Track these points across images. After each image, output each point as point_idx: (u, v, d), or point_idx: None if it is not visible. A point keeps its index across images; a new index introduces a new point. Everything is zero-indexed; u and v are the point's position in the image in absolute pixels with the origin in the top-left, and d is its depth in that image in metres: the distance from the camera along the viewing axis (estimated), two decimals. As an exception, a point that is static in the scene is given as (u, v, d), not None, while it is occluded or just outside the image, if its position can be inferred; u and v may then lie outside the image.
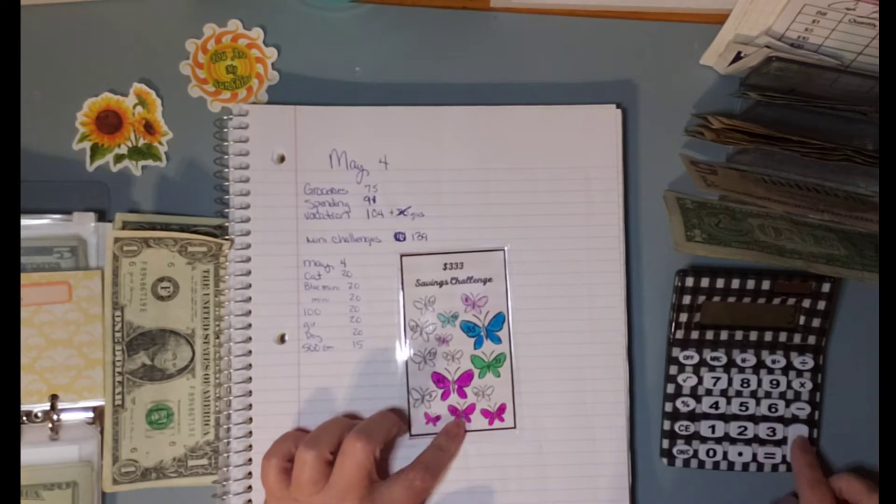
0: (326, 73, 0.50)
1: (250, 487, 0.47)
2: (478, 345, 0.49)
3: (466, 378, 0.49)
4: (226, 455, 0.47)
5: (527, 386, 0.49)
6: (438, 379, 0.49)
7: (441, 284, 0.49)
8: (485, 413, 0.49)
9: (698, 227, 0.47)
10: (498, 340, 0.49)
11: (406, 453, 0.48)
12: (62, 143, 0.48)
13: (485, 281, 0.49)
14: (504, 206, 0.49)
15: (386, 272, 0.49)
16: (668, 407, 0.50)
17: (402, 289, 0.49)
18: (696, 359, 0.50)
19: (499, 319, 0.49)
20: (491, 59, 0.51)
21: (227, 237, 0.48)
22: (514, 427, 0.49)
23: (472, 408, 0.49)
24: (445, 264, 0.49)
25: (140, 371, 0.47)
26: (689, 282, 0.49)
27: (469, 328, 0.49)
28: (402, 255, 0.49)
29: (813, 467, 0.48)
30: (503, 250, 0.49)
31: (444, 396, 0.49)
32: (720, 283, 0.49)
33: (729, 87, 0.51)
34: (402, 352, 0.48)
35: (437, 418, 0.48)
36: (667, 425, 0.50)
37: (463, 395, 0.49)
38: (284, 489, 0.43)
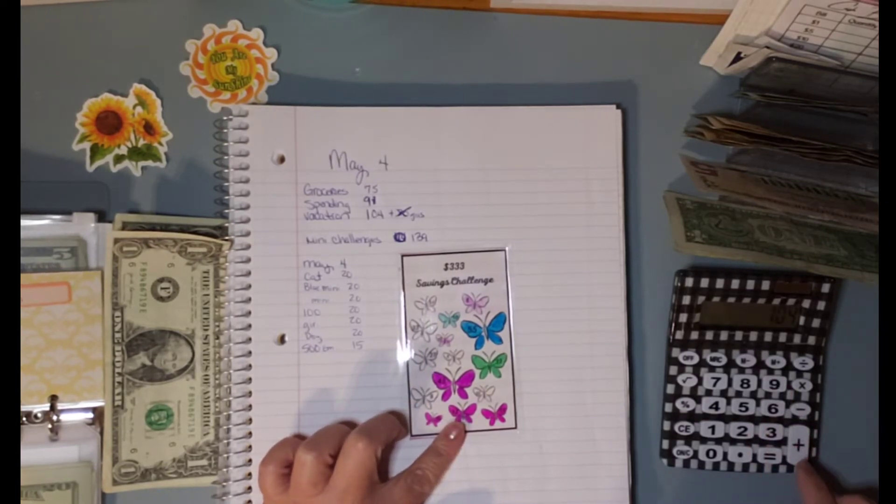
0: (326, 74, 0.50)
1: (250, 488, 0.47)
2: (479, 345, 0.49)
3: (467, 378, 0.49)
4: (225, 455, 0.47)
5: (528, 386, 0.49)
6: (439, 379, 0.49)
7: (442, 284, 0.49)
8: (486, 413, 0.49)
9: (698, 227, 0.47)
10: (499, 341, 0.49)
11: (407, 454, 0.48)
12: (62, 143, 0.48)
13: (486, 281, 0.49)
14: (504, 206, 0.49)
15: (386, 273, 0.49)
16: (668, 407, 0.50)
17: (404, 289, 0.49)
18: (696, 359, 0.50)
19: (500, 320, 0.49)
20: (491, 60, 0.51)
21: (226, 238, 0.48)
22: (515, 427, 0.49)
23: (472, 408, 0.49)
24: (446, 264, 0.49)
25: (140, 372, 0.47)
26: (689, 282, 0.49)
27: (470, 328, 0.49)
28: (403, 256, 0.49)
29: (821, 489, 0.48)
30: (504, 250, 0.49)
31: (445, 397, 0.49)
32: (720, 283, 0.49)
33: (729, 87, 0.51)
34: (403, 352, 0.48)
35: (438, 419, 0.48)
36: (667, 426, 0.50)
37: (464, 395, 0.49)
38: (283, 493, 0.43)
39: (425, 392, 0.48)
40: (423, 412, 0.48)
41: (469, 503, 0.48)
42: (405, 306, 0.49)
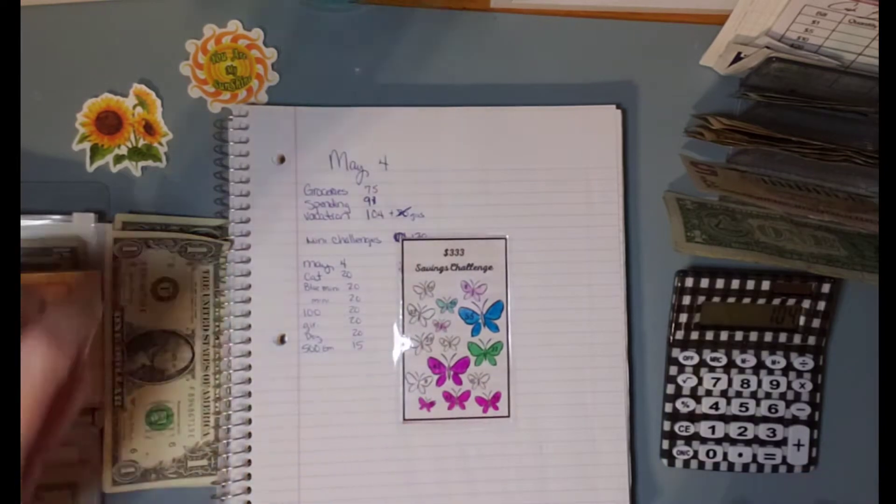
0: (326, 74, 0.50)
1: (250, 489, 0.47)
2: (475, 332, 0.49)
3: (462, 365, 0.49)
4: (225, 455, 0.47)
5: (523, 376, 0.49)
6: (434, 364, 0.49)
7: (441, 270, 0.49)
8: (479, 401, 0.49)
9: (698, 227, 0.47)
10: (495, 329, 0.49)
11: (398, 441, 0.48)
12: (62, 143, 0.48)
13: (485, 269, 0.49)
14: (504, 206, 0.49)
15: (386, 273, 0.49)
16: (668, 408, 0.50)
17: (402, 272, 0.49)
18: (696, 359, 0.50)
19: (497, 308, 0.49)
20: (491, 60, 0.51)
21: (226, 238, 0.48)
22: (508, 416, 0.49)
23: (466, 395, 0.49)
24: (446, 250, 0.49)
25: (140, 372, 0.47)
26: (689, 282, 0.49)
27: (467, 315, 0.49)
28: (403, 240, 0.49)
29: None
30: (504, 238, 0.49)
31: (440, 382, 0.49)
32: (720, 283, 0.49)
33: (729, 87, 0.51)
34: (400, 342, 0.49)
35: (432, 404, 0.49)
36: (667, 426, 0.50)
37: (458, 381, 0.49)
38: None
39: (420, 377, 0.48)
40: (416, 397, 0.48)
41: (465, 491, 0.48)
42: (403, 290, 0.49)
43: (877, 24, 0.45)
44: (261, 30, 0.50)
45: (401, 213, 0.49)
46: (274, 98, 0.50)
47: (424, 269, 0.49)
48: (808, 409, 0.50)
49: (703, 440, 0.50)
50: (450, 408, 0.49)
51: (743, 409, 0.50)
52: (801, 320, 0.50)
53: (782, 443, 0.50)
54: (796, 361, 0.50)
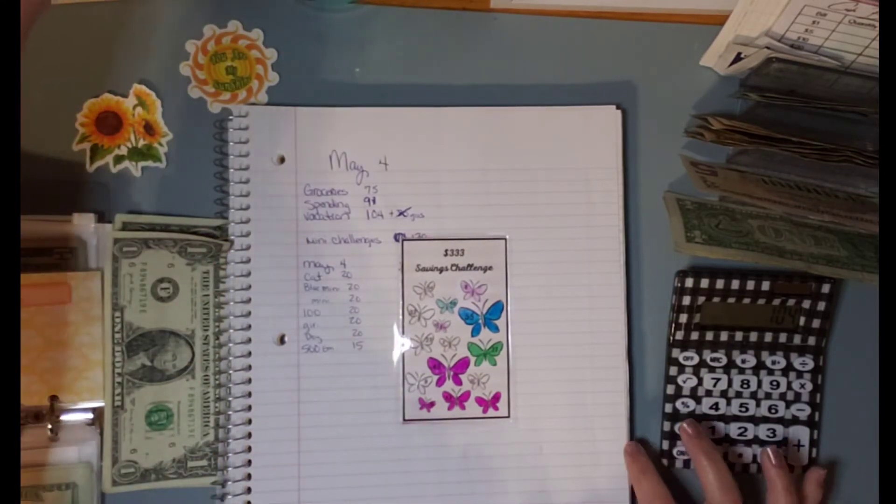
0: (326, 74, 0.50)
1: (250, 489, 0.47)
2: (475, 332, 0.49)
3: (462, 365, 0.49)
4: (225, 456, 0.47)
5: (523, 376, 0.49)
6: (434, 365, 0.49)
7: (441, 270, 0.49)
8: (479, 401, 0.49)
9: (698, 227, 0.47)
10: (495, 329, 0.49)
11: (398, 441, 0.48)
12: (62, 143, 0.48)
13: (485, 269, 0.49)
14: (504, 206, 0.49)
15: (386, 273, 0.49)
16: (668, 408, 0.50)
17: (403, 273, 0.49)
18: (696, 360, 0.50)
19: (497, 308, 0.49)
20: (491, 60, 0.51)
21: (226, 238, 0.48)
22: (508, 416, 0.49)
23: (466, 395, 0.49)
24: (446, 250, 0.49)
25: (140, 372, 0.47)
26: (689, 282, 0.49)
27: (467, 315, 0.49)
28: (403, 240, 0.49)
29: (647, 473, 0.48)
30: (504, 238, 0.49)
31: (440, 383, 0.49)
32: (720, 283, 0.49)
33: (729, 88, 0.51)
34: (400, 342, 0.48)
35: (432, 404, 0.49)
36: (667, 426, 0.50)
37: (458, 381, 0.49)
38: None
39: (420, 377, 0.48)
40: (416, 397, 0.48)
41: (466, 492, 0.48)
42: (403, 291, 0.49)
43: (877, 24, 0.45)
44: (261, 30, 0.50)
45: (401, 213, 0.49)
46: (274, 98, 0.50)
47: (424, 270, 0.49)
48: (808, 410, 0.50)
49: (703, 440, 0.50)
50: (450, 408, 0.49)
51: (743, 409, 0.50)
52: (801, 320, 0.50)
53: (782, 443, 0.50)
54: (796, 362, 0.50)
